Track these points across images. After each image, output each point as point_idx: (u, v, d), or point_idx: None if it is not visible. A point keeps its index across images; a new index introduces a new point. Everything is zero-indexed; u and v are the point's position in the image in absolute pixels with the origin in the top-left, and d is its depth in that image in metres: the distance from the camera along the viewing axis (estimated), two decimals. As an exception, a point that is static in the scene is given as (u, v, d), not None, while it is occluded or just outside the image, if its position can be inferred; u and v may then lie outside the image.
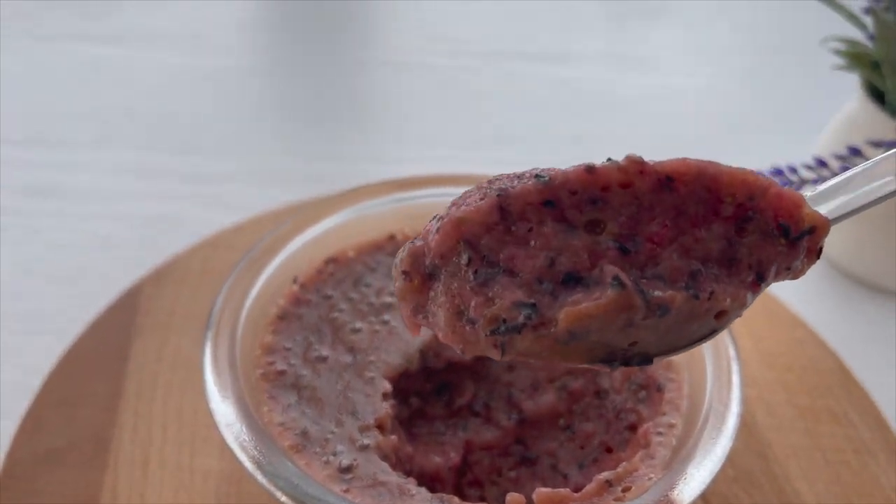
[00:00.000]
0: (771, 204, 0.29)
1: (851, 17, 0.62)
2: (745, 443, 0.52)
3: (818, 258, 0.31)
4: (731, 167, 0.29)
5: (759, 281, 0.30)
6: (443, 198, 0.52)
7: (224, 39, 0.98)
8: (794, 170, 0.55)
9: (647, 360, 0.30)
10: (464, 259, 0.29)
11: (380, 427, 0.41)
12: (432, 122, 0.86)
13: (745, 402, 0.55)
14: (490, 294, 0.28)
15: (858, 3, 0.61)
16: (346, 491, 0.37)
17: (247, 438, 0.36)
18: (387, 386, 0.43)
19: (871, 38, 0.59)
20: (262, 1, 1.07)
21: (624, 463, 0.38)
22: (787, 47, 1.01)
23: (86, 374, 0.54)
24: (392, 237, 0.51)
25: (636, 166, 0.29)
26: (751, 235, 0.29)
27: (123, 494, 0.48)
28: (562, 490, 0.36)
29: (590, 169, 0.29)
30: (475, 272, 0.28)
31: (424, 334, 0.44)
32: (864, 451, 0.52)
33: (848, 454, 0.52)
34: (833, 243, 0.67)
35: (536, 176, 0.29)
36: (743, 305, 0.30)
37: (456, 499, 0.37)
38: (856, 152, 0.54)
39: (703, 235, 0.29)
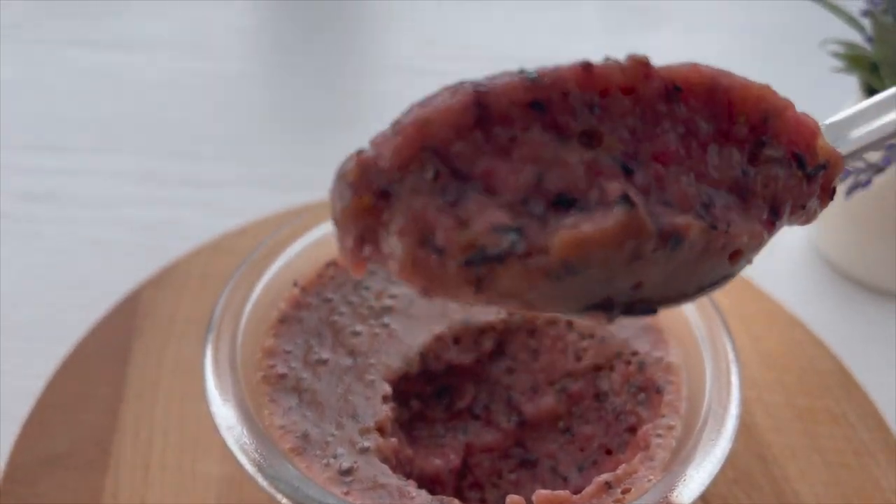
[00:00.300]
0: (787, 128, 0.25)
1: (850, 20, 0.62)
2: (745, 444, 0.52)
3: (831, 199, 0.27)
4: (746, 80, 0.25)
5: (774, 218, 0.25)
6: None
7: (224, 45, 0.98)
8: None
9: (650, 309, 0.25)
10: (429, 172, 0.23)
11: (380, 430, 0.41)
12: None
13: (744, 403, 0.55)
14: (463, 215, 0.22)
15: (856, 5, 0.61)
16: (347, 493, 0.37)
17: (248, 441, 0.37)
18: (387, 389, 0.43)
19: (870, 40, 0.60)
20: (262, 7, 1.08)
21: (623, 465, 0.38)
22: (787, 50, 1.01)
23: (87, 378, 0.54)
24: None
25: (641, 68, 0.24)
26: (765, 164, 0.25)
27: (124, 498, 0.48)
28: (561, 492, 0.36)
29: (587, 67, 0.24)
30: (444, 188, 0.23)
31: (417, 341, 0.44)
32: (863, 452, 0.52)
33: (847, 455, 0.52)
34: (832, 244, 0.67)
35: (522, 71, 0.24)
36: (759, 245, 0.25)
37: (456, 501, 0.37)
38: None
39: (714, 160, 0.25)
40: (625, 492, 0.36)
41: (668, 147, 0.24)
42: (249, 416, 0.38)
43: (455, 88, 0.24)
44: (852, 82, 0.63)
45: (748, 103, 0.25)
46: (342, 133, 0.85)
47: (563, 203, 0.22)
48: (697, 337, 0.44)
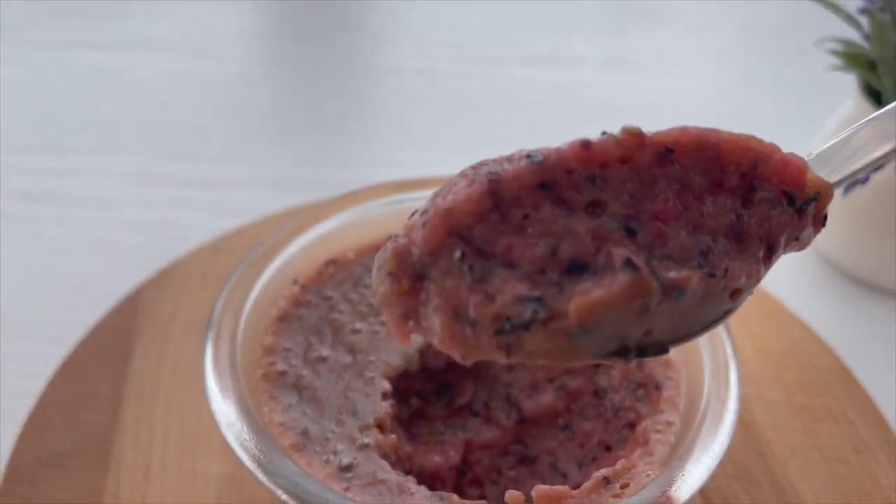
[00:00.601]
0: (775, 171, 0.27)
1: (848, 18, 0.62)
2: (744, 441, 0.52)
3: (823, 226, 0.29)
4: (731, 133, 0.27)
5: (770, 254, 0.28)
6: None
7: (224, 46, 0.98)
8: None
9: (662, 349, 0.27)
10: (457, 254, 0.26)
11: (379, 426, 0.41)
12: (432, 126, 0.86)
13: (744, 400, 0.55)
14: (490, 290, 0.25)
15: (854, 3, 0.61)
16: (347, 489, 0.37)
17: (248, 438, 0.37)
18: (386, 386, 0.43)
19: (867, 38, 0.60)
20: (262, 8, 1.08)
21: (622, 460, 0.38)
22: (786, 49, 1.01)
23: (87, 378, 0.54)
24: (391, 238, 0.51)
25: (635, 139, 0.27)
26: (757, 206, 0.27)
27: (125, 498, 0.48)
28: (560, 487, 0.36)
29: (585, 145, 0.26)
30: (470, 267, 0.25)
31: (416, 338, 0.45)
32: (863, 449, 0.53)
33: (847, 453, 0.52)
34: (831, 242, 0.67)
35: (528, 156, 0.26)
36: (757, 281, 0.28)
37: (455, 496, 0.37)
38: (851, 151, 0.54)
39: (710, 209, 0.27)
40: (623, 487, 0.36)
41: (666, 205, 0.26)
42: (249, 413, 0.38)
43: (471, 178, 0.26)
44: (851, 80, 0.64)
45: (736, 154, 0.27)
46: (342, 133, 0.85)
47: (576, 269, 0.25)
48: (696, 333, 0.44)
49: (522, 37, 1.02)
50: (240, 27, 1.03)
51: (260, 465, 0.36)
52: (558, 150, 0.26)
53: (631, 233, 0.26)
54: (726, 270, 0.26)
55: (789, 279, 0.66)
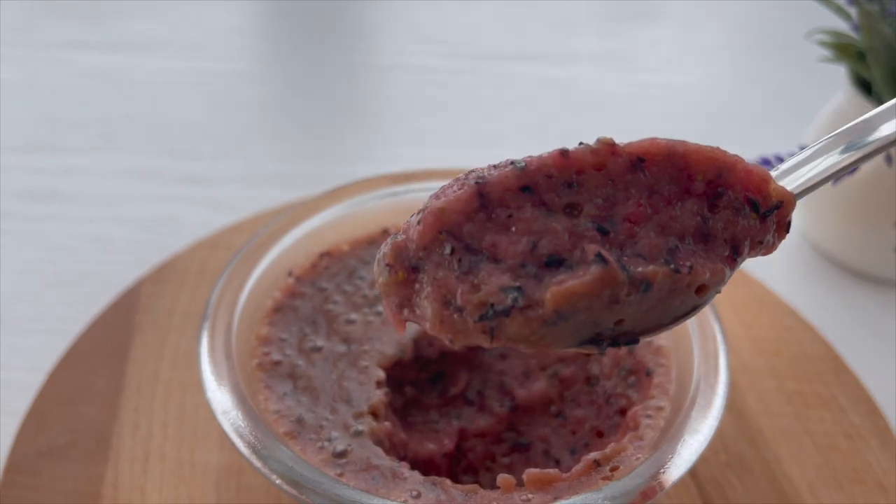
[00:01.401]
0: (739, 179, 0.30)
1: (838, 10, 0.63)
2: (737, 428, 0.53)
3: (787, 232, 0.31)
4: (698, 145, 0.30)
5: (735, 256, 0.30)
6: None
7: (221, 46, 0.99)
8: (780, 159, 0.56)
9: (633, 339, 0.30)
10: (447, 249, 0.29)
11: (374, 414, 0.41)
12: (428, 122, 0.87)
13: (736, 388, 0.55)
14: (475, 281, 0.28)
15: (844, -5, 0.62)
16: (341, 475, 0.37)
17: (242, 425, 0.37)
18: (380, 374, 0.43)
19: (856, 28, 0.60)
20: (258, 8, 1.09)
21: (612, 444, 0.39)
22: (779, 43, 1.02)
23: (87, 371, 0.55)
24: (386, 231, 0.52)
25: (608, 148, 0.29)
26: (723, 211, 0.30)
27: (124, 489, 0.48)
28: (551, 470, 0.37)
29: (564, 153, 0.29)
30: (459, 261, 0.28)
31: (410, 329, 0.45)
32: (854, 435, 0.53)
33: (838, 438, 0.53)
34: (821, 232, 0.67)
35: (513, 163, 0.29)
36: (721, 280, 0.30)
37: (448, 481, 0.38)
38: (840, 141, 0.55)
39: (678, 213, 0.29)
40: (613, 470, 0.37)
41: (637, 208, 0.29)
42: (244, 401, 0.39)
43: (462, 182, 0.29)
44: (842, 73, 0.64)
45: (703, 164, 0.30)
46: (339, 130, 0.85)
47: (553, 263, 0.28)
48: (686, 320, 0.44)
49: (518, 34, 1.03)
50: (236, 26, 1.03)
51: (254, 451, 0.36)
52: (539, 157, 0.29)
53: (604, 232, 0.29)
54: (691, 267, 0.29)
55: (781, 269, 0.67)
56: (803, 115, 0.72)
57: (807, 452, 0.52)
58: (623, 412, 0.44)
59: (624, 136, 0.91)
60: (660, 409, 0.41)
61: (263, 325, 0.45)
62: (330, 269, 0.49)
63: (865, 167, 0.58)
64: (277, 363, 0.43)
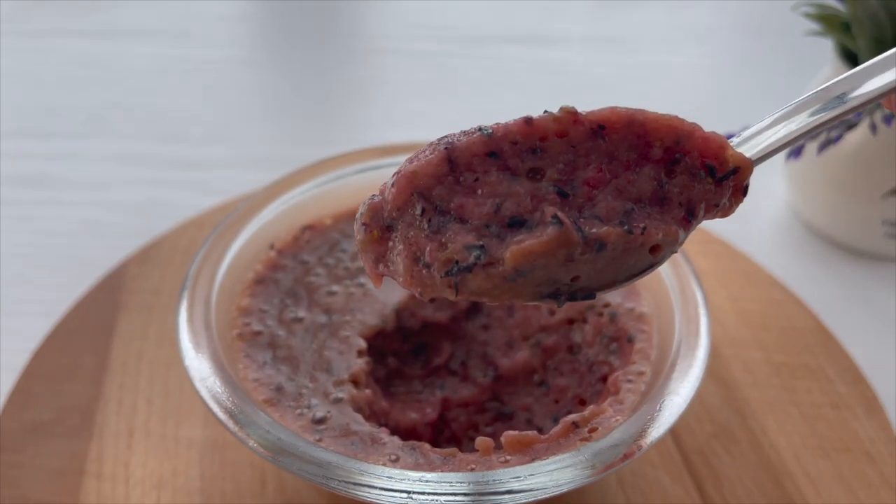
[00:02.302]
0: (697, 146, 0.31)
1: (823, -18, 0.62)
2: (723, 399, 0.53)
3: (744, 196, 0.32)
4: (657, 114, 0.31)
5: (690, 217, 0.31)
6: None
7: (210, 33, 0.99)
8: (765, 130, 0.55)
9: (590, 294, 0.32)
10: (418, 209, 0.30)
11: (354, 382, 0.41)
12: (418, 105, 0.86)
13: (723, 360, 0.55)
14: (443, 240, 0.30)
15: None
16: (319, 440, 0.37)
17: (220, 391, 0.37)
18: (361, 343, 0.43)
19: (841, 0, 0.60)
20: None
21: (591, 406, 0.39)
22: (768, 21, 1.02)
23: (72, 349, 0.55)
24: (368, 205, 0.52)
25: (570, 116, 0.31)
26: (680, 176, 0.31)
27: (108, 463, 0.48)
28: (529, 432, 0.37)
29: (528, 121, 0.31)
30: (429, 220, 0.30)
31: (392, 299, 0.46)
32: (841, 405, 0.53)
33: (825, 409, 0.53)
34: (807, 205, 0.67)
35: (480, 129, 0.31)
36: (675, 240, 0.31)
37: (427, 445, 0.38)
38: (825, 110, 0.55)
39: (635, 178, 0.31)
40: (591, 431, 0.37)
41: (597, 173, 0.31)
42: (223, 369, 0.39)
43: (434, 147, 0.31)
44: (829, 48, 0.64)
45: (661, 131, 0.31)
46: (328, 114, 0.85)
47: (515, 224, 0.30)
48: (668, 287, 0.44)
49: (507, 16, 1.02)
50: (226, 14, 1.03)
51: (231, 416, 0.36)
52: (506, 124, 0.31)
53: (564, 195, 0.30)
54: (644, 228, 0.30)
55: (769, 243, 0.67)
56: (793, 90, 0.71)
57: (793, 422, 0.52)
58: (605, 379, 0.43)
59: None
60: (641, 373, 0.41)
61: (244, 297, 0.45)
62: (312, 242, 0.49)
63: (852, 138, 0.58)
64: (258, 333, 0.43)
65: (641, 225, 0.30)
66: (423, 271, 0.30)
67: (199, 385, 0.38)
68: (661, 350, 0.42)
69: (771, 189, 0.72)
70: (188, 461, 0.49)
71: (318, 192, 0.51)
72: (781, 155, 0.65)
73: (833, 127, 0.54)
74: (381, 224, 0.31)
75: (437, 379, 0.47)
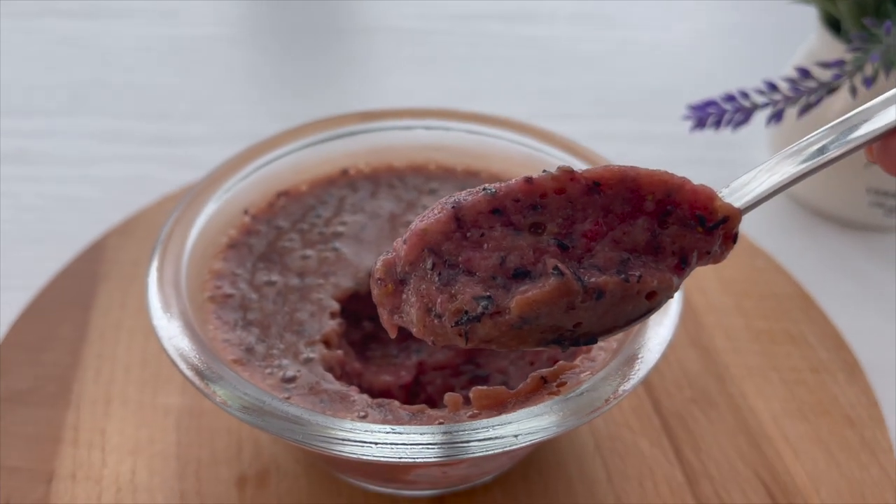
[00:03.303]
0: (686, 199, 0.33)
1: (805, -51, 0.62)
2: (703, 365, 0.53)
3: (734, 243, 0.34)
4: (649, 170, 0.34)
5: (683, 265, 0.34)
6: (401, 130, 0.52)
7: (194, 11, 0.98)
8: (745, 94, 0.55)
9: (592, 339, 0.34)
10: (429, 264, 0.33)
11: (326, 342, 0.41)
12: (407, 82, 0.86)
13: (703, 327, 0.55)
14: (453, 291, 0.32)
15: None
16: (288, 398, 0.37)
17: (187, 349, 0.37)
18: (334, 306, 0.43)
19: (823, -34, 0.60)
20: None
21: (561, 361, 0.38)
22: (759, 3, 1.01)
23: (50, 320, 0.55)
24: (345, 172, 0.52)
25: (567, 175, 0.33)
26: (672, 227, 0.33)
27: (85, 431, 0.48)
28: (498, 387, 0.37)
29: (528, 180, 0.33)
30: (439, 274, 0.32)
31: (367, 263, 0.45)
32: (821, 370, 0.53)
33: (805, 373, 0.52)
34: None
35: (484, 189, 0.33)
36: (670, 287, 0.33)
37: (396, 402, 0.38)
38: (805, 73, 0.54)
39: (630, 229, 0.33)
40: (560, 385, 0.37)
41: (594, 226, 0.33)
42: (192, 328, 0.38)
43: (442, 206, 0.33)
44: (813, 15, 0.63)
45: (652, 185, 0.33)
46: (315, 92, 0.85)
47: (520, 275, 0.32)
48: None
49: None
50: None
51: (198, 372, 0.36)
52: (507, 184, 0.33)
53: (564, 247, 0.33)
54: (640, 277, 0.32)
55: (752, 213, 0.66)
56: (781, 59, 0.71)
57: (773, 387, 0.52)
58: (580, 341, 0.43)
59: (604, 92, 0.90)
60: (613, 332, 0.41)
61: (217, 261, 0.45)
62: (287, 208, 0.49)
63: (832, 103, 0.58)
64: (229, 296, 0.43)
65: (637, 273, 0.32)
66: (435, 321, 0.33)
67: (166, 344, 0.37)
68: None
69: (753, 158, 0.71)
70: (165, 428, 0.48)
71: (294, 158, 0.50)
72: (761, 120, 0.65)
73: (812, 91, 0.54)
74: (394, 278, 0.34)
75: (413, 343, 0.47)
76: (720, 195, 0.34)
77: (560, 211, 0.33)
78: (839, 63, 0.52)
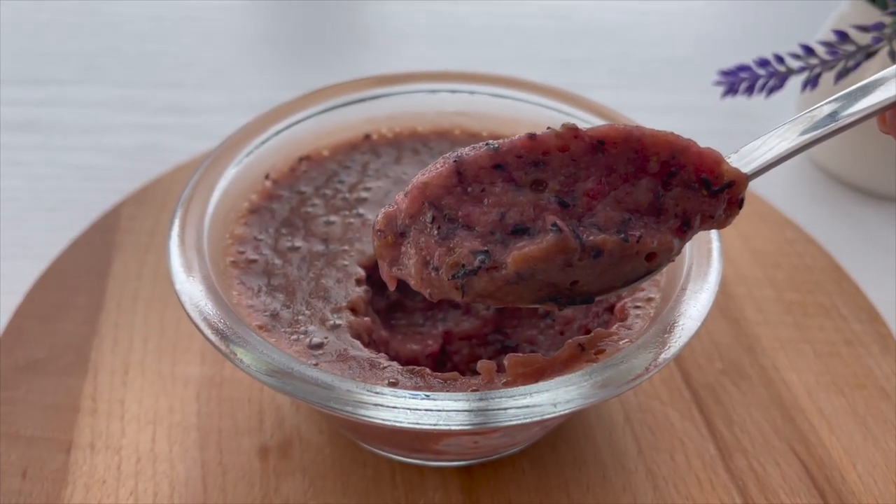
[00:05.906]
0: (692, 161, 0.32)
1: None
2: (734, 337, 0.51)
3: (740, 208, 0.34)
4: (654, 130, 0.32)
5: (685, 228, 0.33)
6: (420, 94, 0.51)
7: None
8: (780, 59, 0.53)
9: (588, 298, 0.34)
10: (428, 217, 0.32)
11: (353, 309, 0.40)
12: (424, 54, 0.84)
13: (734, 299, 0.54)
14: (451, 245, 0.32)
15: None
16: (316, 365, 0.36)
17: (211, 313, 0.36)
18: (360, 272, 0.42)
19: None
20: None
21: (598, 329, 0.37)
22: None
23: (66, 289, 0.54)
24: (368, 137, 0.50)
25: (571, 132, 0.32)
26: (676, 188, 0.33)
27: (103, 401, 0.47)
28: (533, 354, 0.35)
29: (532, 136, 0.32)
30: (438, 228, 0.32)
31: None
32: (855, 342, 0.51)
33: (839, 346, 0.51)
34: (825, 150, 0.65)
35: (487, 144, 0.33)
36: (670, 249, 0.33)
37: (427, 370, 0.36)
38: (843, 36, 0.52)
39: (633, 190, 0.32)
40: (598, 353, 0.36)
41: (596, 185, 0.32)
42: (216, 292, 0.37)
43: (444, 160, 0.33)
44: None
45: (658, 146, 0.32)
46: (327, 61, 0.83)
47: (519, 231, 0.32)
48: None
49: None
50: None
51: (223, 338, 0.35)
52: (511, 140, 0.33)
53: (564, 205, 0.32)
54: (639, 237, 0.32)
55: (783, 185, 0.65)
56: (811, 31, 0.69)
57: (806, 359, 0.50)
58: (612, 309, 0.42)
59: (625, 63, 0.88)
60: (650, 300, 0.40)
61: (238, 225, 0.44)
62: (309, 173, 0.47)
63: (870, 67, 0.56)
64: (252, 261, 0.42)
65: (637, 234, 0.32)
66: (432, 274, 0.32)
67: (189, 308, 0.36)
68: (671, 275, 0.40)
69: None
70: (184, 398, 0.47)
71: (315, 122, 0.49)
72: (796, 86, 0.63)
73: (850, 55, 0.52)
74: (394, 230, 0.34)
75: (439, 312, 0.46)
76: (728, 160, 0.33)
77: (563, 169, 0.32)
78: (879, 26, 0.51)
